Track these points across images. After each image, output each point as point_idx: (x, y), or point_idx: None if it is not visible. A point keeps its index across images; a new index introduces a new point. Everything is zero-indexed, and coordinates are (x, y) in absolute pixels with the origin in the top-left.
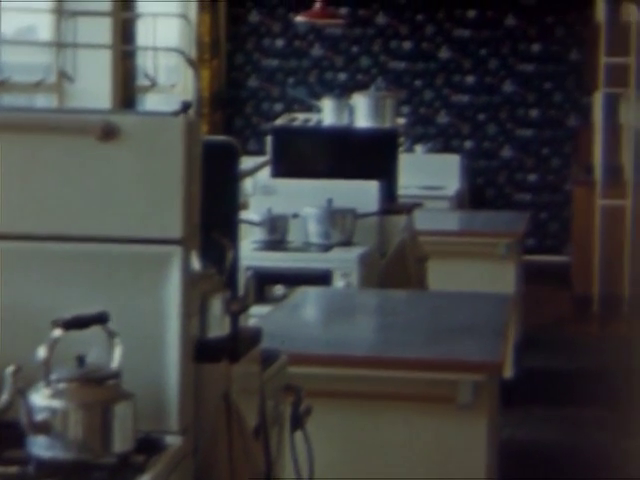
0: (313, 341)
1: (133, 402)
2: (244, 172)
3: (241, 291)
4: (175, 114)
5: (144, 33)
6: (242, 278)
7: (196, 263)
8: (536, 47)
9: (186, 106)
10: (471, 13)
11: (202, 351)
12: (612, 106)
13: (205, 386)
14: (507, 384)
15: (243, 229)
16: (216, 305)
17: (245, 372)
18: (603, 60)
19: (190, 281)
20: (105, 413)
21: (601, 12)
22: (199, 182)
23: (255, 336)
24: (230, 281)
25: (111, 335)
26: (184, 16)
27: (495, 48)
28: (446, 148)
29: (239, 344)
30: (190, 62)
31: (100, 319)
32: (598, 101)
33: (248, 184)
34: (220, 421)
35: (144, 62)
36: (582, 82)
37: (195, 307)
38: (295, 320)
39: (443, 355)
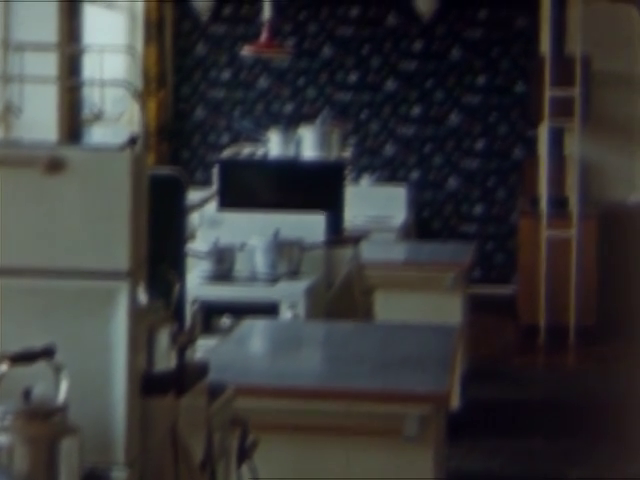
0: (260, 373)
1: (79, 436)
2: (191, 205)
3: (188, 324)
4: (121, 148)
5: (91, 65)
6: (189, 310)
7: (143, 296)
8: (481, 79)
9: (132, 140)
10: (417, 45)
11: (149, 384)
12: (557, 138)
13: (152, 419)
14: (454, 415)
15: (190, 261)
16: (163, 338)
17: (192, 405)
18: (548, 92)
19: (137, 314)
20: (51, 448)
21: (545, 45)
22: (146, 215)
23: (202, 369)
24: (177, 314)
25: (57, 369)
26: (130, 49)
27: (441, 80)
28: (392, 179)
29: (186, 377)
30: (135, 95)
31: (46, 353)
32: (543, 133)
33: (195, 216)
34: (166, 454)
35: (91, 94)
36: (527, 114)
37: (142, 340)
38: (242, 352)
39: (389, 387)
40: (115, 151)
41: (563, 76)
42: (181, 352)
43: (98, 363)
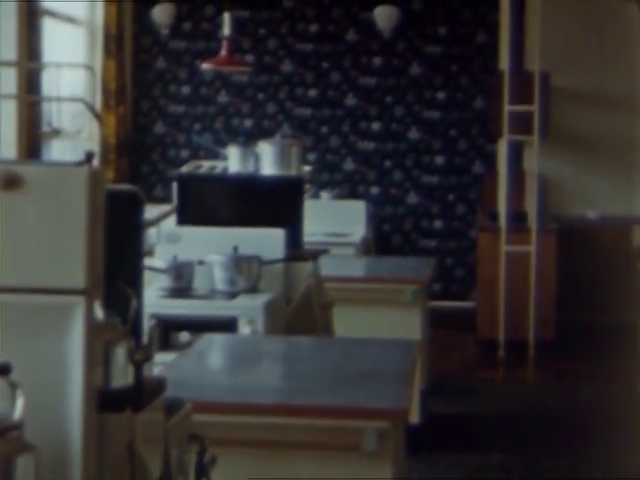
0: (218, 389)
1: (35, 454)
2: (149, 221)
3: (145, 340)
4: (79, 164)
5: (49, 80)
6: (146, 326)
7: (99, 313)
8: (441, 95)
9: (89, 156)
10: (377, 61)
11: (105, 401)
12: (516, 153)
13: (109, 436)
14: (413, 430)
15: (148, 276)
16: (120, 354)
17: (149, 421)
18: (507, 108)
19: (93, 331)
20: (7, 466)
21: (505, 61)
22: (103, 232)
23: (159, 385)
24: (134, 330)
25: (13, 386)
26: (88, 66)
27: (401, 95)
28: (352, 195)
29: (143, 393)
30: (93, 112)
31: (2, 370)
32: (502, 148)
33: (152, 232)
34: (124, 471)
35: (49, 110)
36: (487, 129)
37: (98, 357)
38: (200, 368)
39: (348, 402)
40: (72, 167)
41: (522, 92)
42: (138, 368)
43: (54, 380)
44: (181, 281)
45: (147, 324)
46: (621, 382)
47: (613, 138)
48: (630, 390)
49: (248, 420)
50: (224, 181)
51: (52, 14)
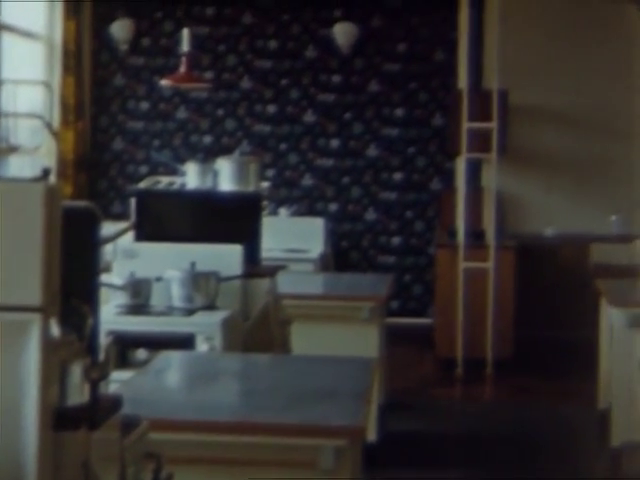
0: (175, 406)
1: None
2: (105, 238)
3: (101, 357)
4: (35, 180)
5: (7, 96)
6: (103, 343)
7: (56, 330)
8: (400, 112)
9: (46, 172)
10: (335, 78)
11: (61, 419)
12: (474, 170)
13: (64, 454)
14: (371, 448)
15: (105, 293)
16: (76, 372)
17: (105, 439)
18: (465, 125)
19: (49, 348)
20: None
21: (463, 78)
22: (59, 249)
23: (115, 403)
24: (90, 347)
25: None
26: (46, 83)
27: (359, 112)
28: (310, 211)
29: (98, 411)
30: (50, 128)
31: None
32: (461, 165)
33: (109, 248)
34: None
35: (6, 126)
36: (445, 147)
37: (54, 375)
38: (157, 385)
39: (305, 420)
40: (28, 183)
41: (480, 109)
42: (94, 386)
43: (9, 397)
44: (138, 298)
45: (104, 341)
46: (579, 399)
47: (571, 156)
48: (588, 407)
49: (205, 438)
50: (182, 197)
51: (10, 29)
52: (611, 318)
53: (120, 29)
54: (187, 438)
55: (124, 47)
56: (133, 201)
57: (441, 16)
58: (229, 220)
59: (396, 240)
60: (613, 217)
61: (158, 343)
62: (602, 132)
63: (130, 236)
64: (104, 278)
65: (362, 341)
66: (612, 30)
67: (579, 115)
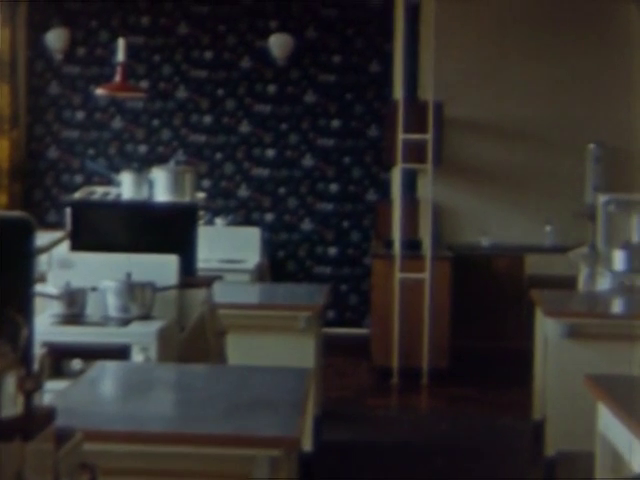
0: (110, 417)
1: None
2: (40, 248)
3: (36, 368)
4: None
5: None
6: (37, 354)
7: None
8: (335, 123)
9: None
10: (271, 89)
11: None
12: (410, 181)
13: None
14: (306, 458)
15: (41, 303)
16: (9, 383)
17: (38, 450)
18: (401, 136)
19: None
20: None
21: (399, 90)
22: None
23: (49, 414)
24: (24, 358)
25: None
26: None
27: (295, 123)
28: (247, 221)
29: (32, 422)
30: None
31: None
32: (396, 176)
33: (44, 258)
34: None
35: None
36: (381, 158)
37: None
38: (92, 396)
39: (239, 430)
40: None
41: (416, 121)
42: (28, 397)
43: None
44: (74, 308)
45: (38, 351)
46: (514, 409)
47: (506, 167)
48: (523, 417)
49: (139, 449)
50: (117, 207)
51: None
52: (546, 328)
53: (55, 38)
54: (122, 449)
55: (59, 56)
56: (68, 211)
57: (376, 27)
58: (165, 230)
59: (332, 250)
60: (547, 228)
61: (93, 353)
62: (536, 143)
63: (65, 246)
64: (39, 288)
65: (298, 351)
66: (546, 44)
67: (514, 127)
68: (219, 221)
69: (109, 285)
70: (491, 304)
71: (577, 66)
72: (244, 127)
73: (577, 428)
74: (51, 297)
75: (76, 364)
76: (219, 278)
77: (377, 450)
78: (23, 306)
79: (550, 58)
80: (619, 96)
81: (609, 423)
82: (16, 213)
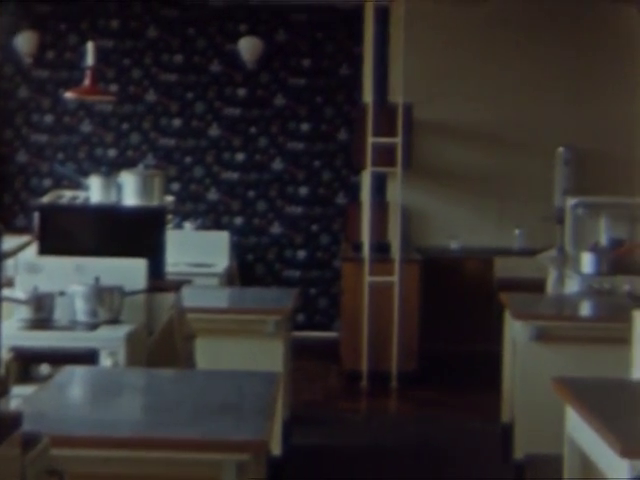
0: (77, 422)
1: None
2: (6, 252)
3: (2, 372)
4: None
5: None
6: (4, 358)
7: None
8: (305, 126)
9: None
10: (241, 92)
11: None
12: (379, 184)
13: None
14: (275, 462)
15: (8, 307)
16: None
17: (5, 456)
18: (370, 140)
19: None
20: None
21: (368, 93)
22: None
23: (16, 419)
24: None
25: None
26: None
27: (265, 127)
28: (216, 225)
29: None
30: None
31: None
32: (366, 179)
33: (11, 262)
34: None
35: None
36: (350, 161)
37: None
38: (60, 401)
39: (207, 435)
40: None
41: (386, 124)
42: None
43: None
44: (41, 312)
45: (5, 356)
46: (483, 412)
47: (475, 170)
48: (492, 420)
49: (108, 454)
50: (86, 211)
51: None
52: (514, 331)
53: (24, 42)
54: (89, 454)
55: (28, 60)
56: (37, 215)
57: (346, 31)
58: (133, 234)
59: (302, 254)
60: (517, 231)
61: (61, 358)
62: (506, 147)
63: (33, 250)
64: (6, 292)
65: (267, 355)
66: (516, 47)
67: (483, 130)
68: (188, 225)
69: (77, 289)
70: (460, 307)
71: (546, 69)
72: (213, 131)
73: (546, 431)
74: (19, 302)
75: (44, 369)
76: (188, 282)
77: (346, 453)
78: None
79: (519, 61)
80: (588, 99)
81: (577, 426)
82: None
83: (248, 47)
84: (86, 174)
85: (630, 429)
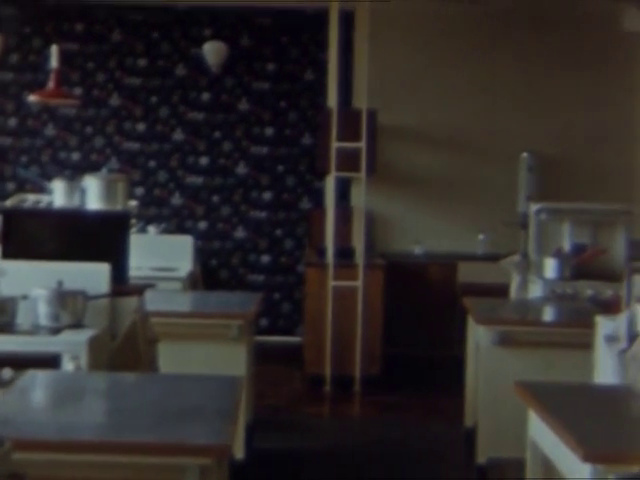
0: (40, 426)
1: None
2: None
3: None
4: None
5: None
6: None
7: None
8: (269, 131)
9: None
10: (205, 96)
11: None
12: (343, 189)
13: None
14: (238, 466)
15: None
16: None
17: None
18: (334, 145)
19: None
20: None
21: (333, 98)
22: None
23: None
24: None
25: None
26: None
27: (229, 131)
28: (180, 229)
29: None
30: None
31: None
32: (330, 184)
33: None
34: None
35: None
36: (314, 166)
37: None
38: (22, 405)
39: (170, 439)
40: None
41: (350, 129)
42: None
43: None
44: (4, 316)
45: None
46: (446, 416)
47: (439, 175)
48: (455, 424)
49: (70, 458)
50: (49, 215)
51: None
52: (477, 336)
53: None
54: (52, 458)
55: None
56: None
57: (311, 36)
58: (96, 238)
59: (265, 258)
60: (480, 236)
61: (24, 362)
62: (470, 152)
63: None
64: None
65: (230, 359)
66: (476, 51)
67: (447, 135)
68: (152, 229)
69: (40, 293)
70: (424, 312)
71: (510, 76)
72: (178, 135)
73: (508, 435)
74: None
75: (6, 373)
76: (151, 286)
77: (309, 457)
78: None
79: (484, 67)
80: (552, 105)
81: (539, 430)
82: None
83: (212, 51)
84: (50, 178)
85: (592, 433)
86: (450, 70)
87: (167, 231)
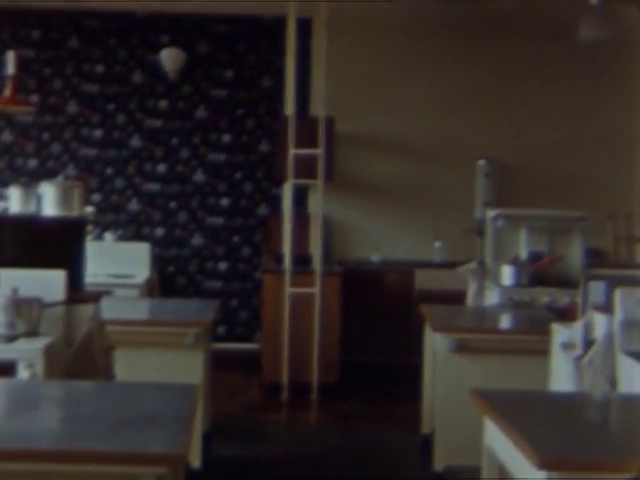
0: None
1: None
2: None
3: None
4: None
5: None
6: None
7: None
8: (227, 138)
9: None
10: (162, 103)
11: None
12: (301, 196)
13: None
14: (194, 474)
15: None
16: None
17: None
18: (292, 152)
19: None
20: None
21: (290, 105)
22: None
23: None
24: None
25: None
26: None
27: (186, 138)
28: (136, 236)
29: None
30: None
31: None
32: (287, 191)
33: None
34: None
35: None
36: (272, 173)
37: None
38: None
39: (125, 447)
40: None
41: (307, 136)
42: None
43: None
44: None
45: None
46: (404, 424)
47: (397, 182)
48: (412, 431)
49: (24, 467)
50: (4, 221)
51: None
52: (434, 343)
53: None
54: (6, 467)
55: None
56: None
57: (268, 43)
58: (52, 245)
59: (223, 265)
60: (437, 243)
61: None
62: (427, 159)
63: None
64: None
65: (187, 367)
66: (434, 59)
67: (404, 142)
68: (109, 236)
69: None
70: (381, 319)
71: (468, 83)
72: (135, 141)
73: (465, 442)
74: None
75: None
76: (107, 293)
77: (266, 465)
78: None
79: (441, 75)
80: (508, 112)
81: (495, 437)
82: None
83: (170, 58)
84: (6, 184)
85: (547, 440)
86: (408, 78)
87: (124, 238)
